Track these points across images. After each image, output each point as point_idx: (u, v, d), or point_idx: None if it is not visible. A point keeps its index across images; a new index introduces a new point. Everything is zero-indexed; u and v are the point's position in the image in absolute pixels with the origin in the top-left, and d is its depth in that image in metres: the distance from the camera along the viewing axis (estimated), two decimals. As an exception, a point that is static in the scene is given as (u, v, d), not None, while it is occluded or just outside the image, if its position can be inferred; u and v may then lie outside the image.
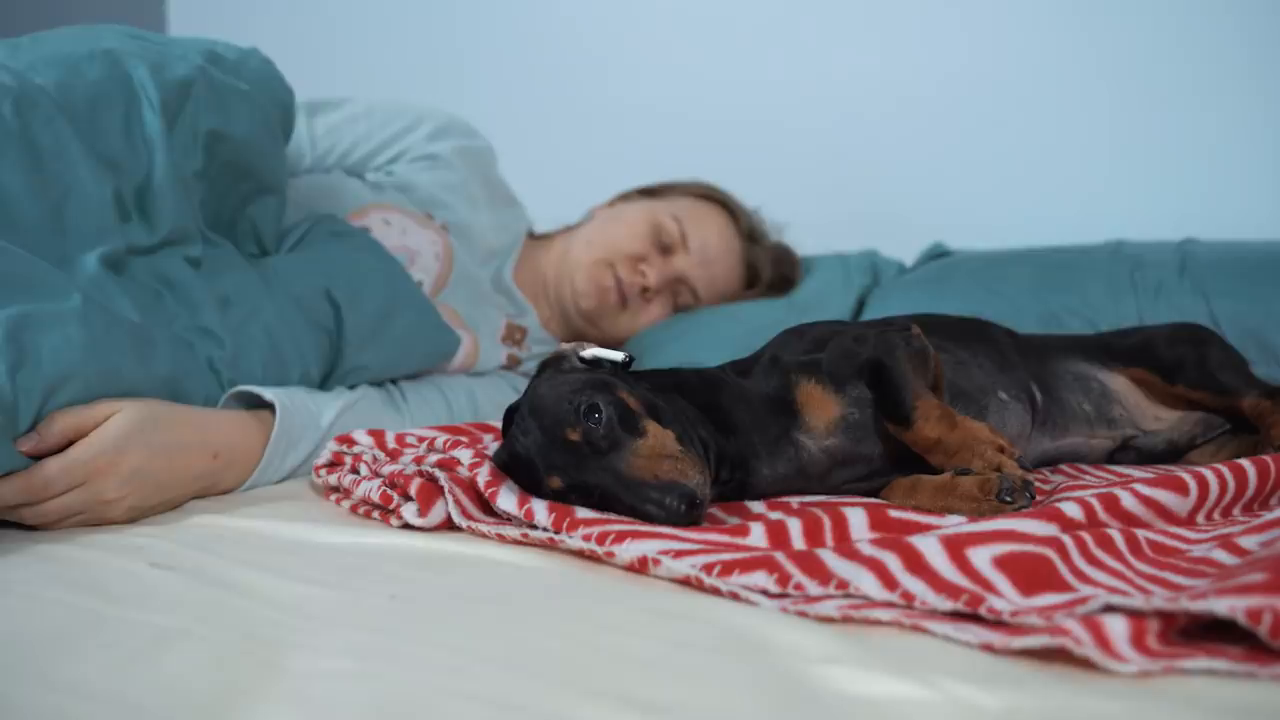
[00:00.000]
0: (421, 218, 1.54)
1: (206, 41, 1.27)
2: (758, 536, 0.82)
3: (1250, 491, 0.91)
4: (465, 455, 0.95)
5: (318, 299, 1.25)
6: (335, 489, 1.04)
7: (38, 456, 0.91)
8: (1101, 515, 0.81)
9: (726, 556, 0.75)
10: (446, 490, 0.91)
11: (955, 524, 0.81)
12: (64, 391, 0.92)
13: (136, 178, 1.11)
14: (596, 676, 0.60)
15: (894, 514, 0.87)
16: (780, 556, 0.74)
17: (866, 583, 0.69)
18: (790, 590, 0.70)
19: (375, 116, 1.63)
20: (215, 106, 1.20)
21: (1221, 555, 0.75)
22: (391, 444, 1.07)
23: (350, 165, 1.60)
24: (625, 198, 1.77)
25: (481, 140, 1.71)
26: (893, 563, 0.70)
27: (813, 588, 0.70)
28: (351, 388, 1.29)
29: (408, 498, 0.93)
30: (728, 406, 0.97)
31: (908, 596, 0.68)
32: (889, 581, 0.69)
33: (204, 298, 1.13)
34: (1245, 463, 0.92)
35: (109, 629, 0.67)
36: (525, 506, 0.87)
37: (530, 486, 0.91)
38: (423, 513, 0.91)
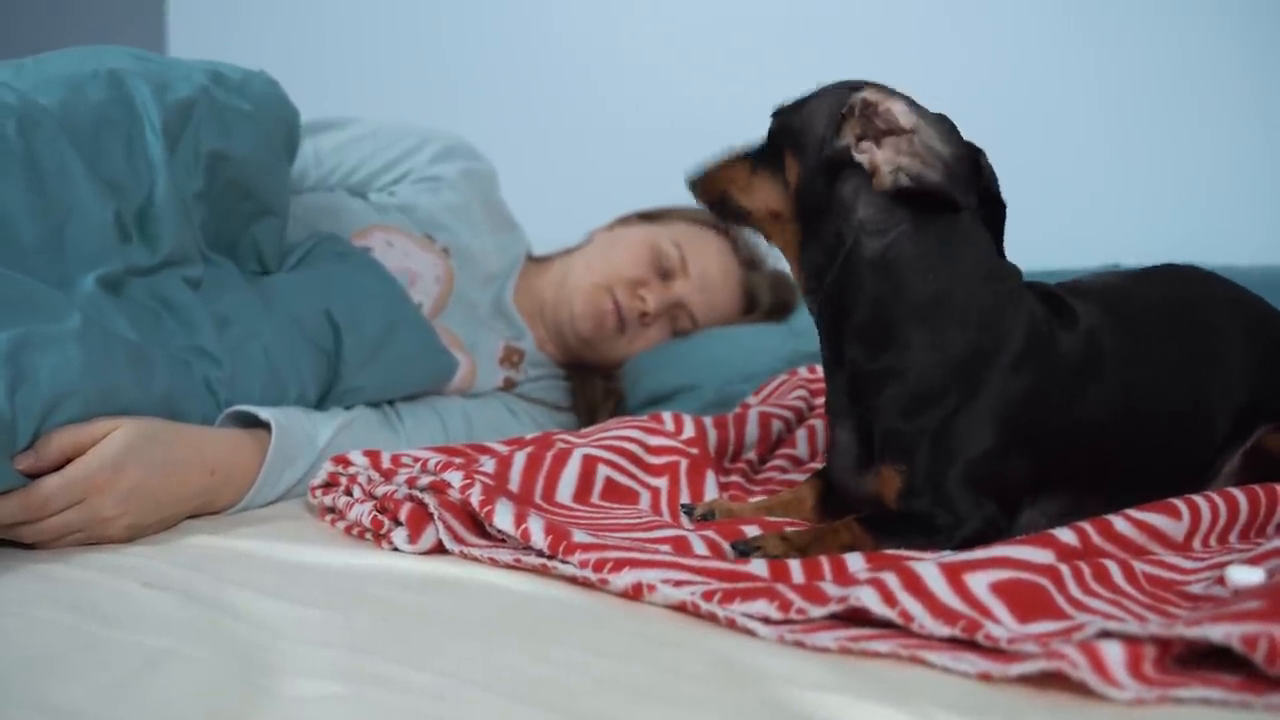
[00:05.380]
0: (423, 240, 1.54)
1: (211, 63, 1.28)
2: (759, 567, 0.82)
3: (1243, 518, 0.91)
4: (456, 478, 0.94)
5: (317, 319, 1.25)
6: (331, 509, 1.04)
7: (35, 475, 0.91)
8: (1096, 540, 0.81)
9: (728, 585, 0.75)
10: (436, 516, 0.91)
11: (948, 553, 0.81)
12: (62, 410, 0.92)
13: (138, 199, 1.12)
14: (585, 702, 0.60)
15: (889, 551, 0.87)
16: (781, 587, 0.74)
17: (867, 595, 0.69)
18: (792, 615, 0.71)
19: (380, 137, 1.63)
20: (217, 127, 1.20)
21: (1220, 592, 0.75)
22: (387, 464, 1.07)
23: (353, 185, 1.61)
24: (624, 222, 1.77)
25: (485, 163, 1.71)
26: (892, 581, 0.70)
27: (813, 610, 0.70)
28: (348, 408, 1.29)
29: (398, 522, 0.93)
30: None
31: (906, 616, 0.67)
32: (889, 597, 0.69)
33: (203, 318, 1.13)
34: (1236, 491, 0.92)
35: (100, 650, 0.67)
36: (522, 526, 0.86)
37: None
38: (413, 539, 0.91)
